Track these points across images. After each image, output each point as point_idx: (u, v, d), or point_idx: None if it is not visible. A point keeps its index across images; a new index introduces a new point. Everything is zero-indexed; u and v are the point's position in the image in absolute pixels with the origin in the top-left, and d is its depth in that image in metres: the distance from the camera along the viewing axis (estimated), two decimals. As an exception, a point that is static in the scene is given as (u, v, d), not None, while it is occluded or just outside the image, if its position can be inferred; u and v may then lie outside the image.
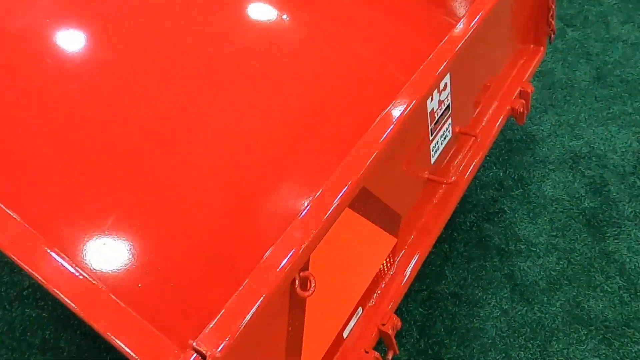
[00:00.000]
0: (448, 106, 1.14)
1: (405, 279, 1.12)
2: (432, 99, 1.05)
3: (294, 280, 0.75)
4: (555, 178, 1.74)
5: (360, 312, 1.05)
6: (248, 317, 0.67)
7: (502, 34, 1.40)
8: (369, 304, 1.07)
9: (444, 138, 1.18)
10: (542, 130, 1.90)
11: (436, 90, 1.05)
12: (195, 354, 0.63)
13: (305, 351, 0.89)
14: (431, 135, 1.11)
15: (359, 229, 0.97)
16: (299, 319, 0.83)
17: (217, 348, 0.63)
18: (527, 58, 1.59)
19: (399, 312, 1.24)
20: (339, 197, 0.80)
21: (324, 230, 0.77)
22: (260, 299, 0.68)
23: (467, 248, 1.61)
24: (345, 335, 1.02)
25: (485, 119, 1.41)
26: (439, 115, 1.11)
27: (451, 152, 1.28)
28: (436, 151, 1.16)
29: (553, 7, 1.51)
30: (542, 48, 1.61)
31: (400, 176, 1.05)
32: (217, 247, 0.94)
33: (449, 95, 1.13)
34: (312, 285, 0.77)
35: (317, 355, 0.93)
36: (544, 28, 1.57)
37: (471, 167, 1.30)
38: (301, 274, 0.76)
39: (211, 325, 0.66)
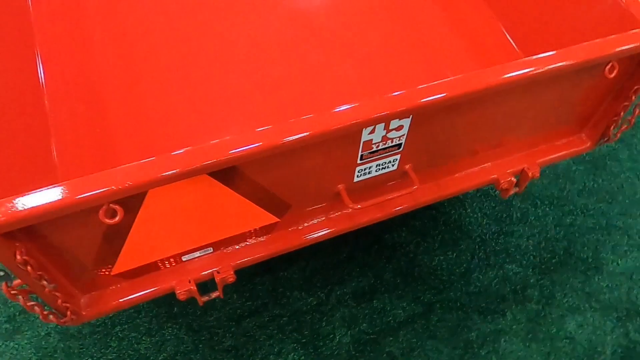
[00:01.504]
0: (399, 145, 1.08)
1: (265, 254, 1.19)
2: (373, 132, 0.99)
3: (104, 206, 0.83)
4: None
5: (209, 251, 1.16)
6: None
7: (541, 101, 1.22)
8: (221, 250, 1.17)
9: (383, 168, 1.15)
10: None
11: (380, 127, 0.98)
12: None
13: (124, 256, 1.02)
14: (360, 159, 1.09)
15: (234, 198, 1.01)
16: (120, 229, 0.94)
17: None
18: (565, 142, 1.40)
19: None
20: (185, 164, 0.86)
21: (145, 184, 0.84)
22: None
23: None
24: (184, 259, 1.14)
25: (457, 175, 1.31)
26: (380, 148, 1.07)
27: (389, 184, 1.23)
28: (365, 174, 1.14)
29: (633, 98, 1.26)
30: (588, 143, 1.40)
31: (301, 173, 1.06)
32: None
33: (404, 137, 1.06)
34: (118, 217, 0.84)
35: (141, 259, 1.06)
36: (603, 120, 1.35)
37: (392, 209, 1.26)
38: (110, 205, 0.82)
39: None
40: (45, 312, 0.99)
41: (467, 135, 1.21)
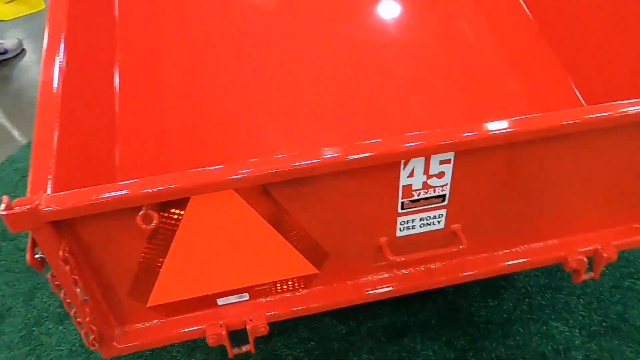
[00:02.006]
0: (442, 196, 1.05)
1: (301, 309, 1.14)
2: (411, 175, 0.98)
3: (142, 210, 0.88)
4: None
5: (245, 297, 1.13)
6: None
7: (611, 164, 1.12)
8: (258, 299, 1.14)
9: (428, 224, 1.10)
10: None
11: (419, 169, 0.98)
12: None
13: (161, 285, 1.04)
14: (401, 208, 1.06)
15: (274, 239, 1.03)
16: (159, 247, 0.98)
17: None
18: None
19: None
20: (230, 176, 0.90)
21: (185, 190, 0.89)
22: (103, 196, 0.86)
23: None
24: (219, 303, 1.13)
25: (517, 249, 1.20)
26: (421, 196, 1.04)
27: (436, 248, 1.13)
28: (408, 228, 1.10)
29: None
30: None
31: (338, 217, 1.04)
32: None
33: (447, 187, 1.03)
34: (154, 222, 0.88)
35: (176, 294, 1.08)
36: None
37: (439, 277, 1.17)
38: (149, 210, 0.87)
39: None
40: (78, 320, 1.00)
41: (526, 198, 1.13)
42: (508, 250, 1.20)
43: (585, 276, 1.22)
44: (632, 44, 1.36)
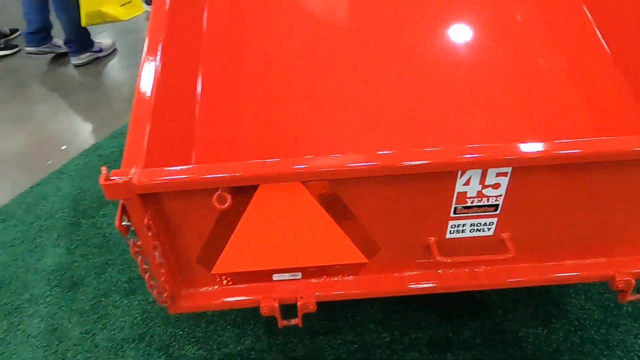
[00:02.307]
0: (496, 206, 1.08)
1: (349, 293, 1.23)
2: (466, 184, 1.03)
3: (218, 191, 0.98)
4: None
5: (298, 276, 1.24)
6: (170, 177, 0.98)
7: None
8: (310, 279, 1.24)
9: (477, 230, 1.15)
10: None
11: (476, 179, 1.02)
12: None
13: (225, 256, 1.16)
14: (454, 212, 1.11)
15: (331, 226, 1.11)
16: (227, 225, 1.09)
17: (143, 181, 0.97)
18: None
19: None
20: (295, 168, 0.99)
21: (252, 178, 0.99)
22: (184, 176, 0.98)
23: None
24: (274, 278, 1.24)
25: (565, 262, 1.23)
26: (475, 204, 1.08)
27: (484, 257, 1.18)
28: (458, 231, 1.15)
29: None
30: None
31: (393, 215, 1.12)
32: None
33: (501, 198, 1.06)
34: (227, 203, 0.99)
35: (238, 265, 1.19)
36: None
37: (484, 280, 1.21)
38: (223, 192, 0.97)
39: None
40: (152, 283, 1.14)
41: (578, 215, 1.15)
42: (555, 263, 1.23)
43: (632, 297, 1.22)
44: None
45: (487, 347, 1.65)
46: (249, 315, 1.77)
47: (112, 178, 0.97)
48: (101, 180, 0.96)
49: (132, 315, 1.81)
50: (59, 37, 3.48)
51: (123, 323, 1.79)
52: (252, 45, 1.80)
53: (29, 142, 2.78)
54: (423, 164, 0.99)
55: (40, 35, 3.39)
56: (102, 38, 3.58)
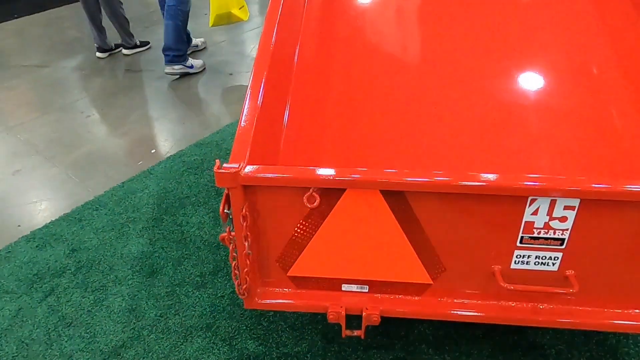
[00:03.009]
0: (562, 240, 1.15)
1: (411, 311, 1.32)
2: (535, 213, 1.11)
3: (309, 191, 1.12)
4: None
5: (365, 289, 1.34)
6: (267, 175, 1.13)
7: None
8: (375, 294, 1.34)
9: (542, 263, 1.22)
10: None
11: (544, 209, 1.10)
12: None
13: (303, 259, 1.29)
14: (520, 242, 1.18)
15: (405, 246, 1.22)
16: (310, 226, 1.23)
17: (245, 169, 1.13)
18: None
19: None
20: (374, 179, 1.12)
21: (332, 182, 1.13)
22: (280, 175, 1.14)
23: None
24: (343, 288, 1.35)
25: (632, 311, 1.24)
26: (541, 235, 1.16)
27: (547, 289, 1.23)
28: (522, 262, 1.22)
29: None
30: None
31: (462, 236, 1.20)
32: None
33: (567, 232, 1.13)
34: (316, 203, 1.13)
35: (313, 270, 1.31)
36: None
37: (547, 317, 1.25)
38: (314, 192, 1.12)
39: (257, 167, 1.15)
40: (236, 272, 1.28)
41: None
42: (619, 310, 1.25)
43: None
44: None
45: (536, 385, 1.67)
46: (307, 321, 1.88)
47: (225, 167, 1.13)
48: (215, 169, 1.13)
49: (201, 306, 1.98)
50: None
51: (193, 312, 1.96)
52: (337, 76, 1.97)
53: (123, 143, 3.09)
54: (496, 186, 1.08)
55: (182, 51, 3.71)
56: (194, 59, 3.93)
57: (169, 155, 2.90)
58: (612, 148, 1.62)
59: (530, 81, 1.88)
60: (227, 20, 3.51)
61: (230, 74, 3.92)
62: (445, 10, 2.19)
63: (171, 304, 1.99)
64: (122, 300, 2.02)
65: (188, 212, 2.44)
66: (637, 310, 1.25)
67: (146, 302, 2.00)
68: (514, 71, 1.90)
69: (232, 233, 1.24)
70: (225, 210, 1.18)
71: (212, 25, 3.54)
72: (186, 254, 2.21)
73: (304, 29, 2.04)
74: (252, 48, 4.30)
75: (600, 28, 1.96)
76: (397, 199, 1.15)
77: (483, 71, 1.90)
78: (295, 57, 1.93)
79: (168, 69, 3.74)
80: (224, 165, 1.14)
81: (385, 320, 1.83)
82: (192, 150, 2.93)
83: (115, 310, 1.98)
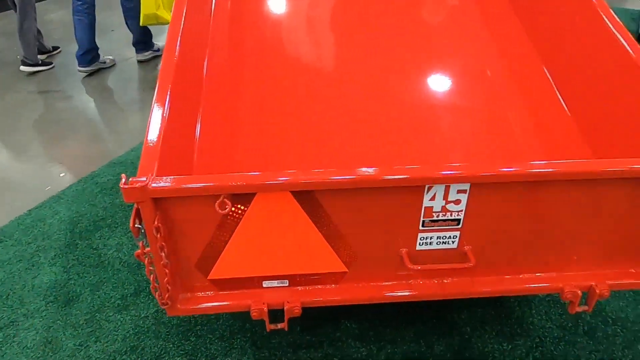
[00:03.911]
0: (458, 220, 1.26)
1: (330, 300, 1.37)
2: (432, 199, 1.21)
3: (220, 198, 1.14)
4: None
5: (285, 283, 1.38)
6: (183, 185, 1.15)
7: (608, 215, 1.30)
8: (297, 286, 1.39)
9: (443, 242, 1.32)
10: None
11: (440, 194, 1.20)
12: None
13: (221, 262, 1.30)
14: (422, 225, 1.28)
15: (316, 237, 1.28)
16: (225, 230, 1.24)
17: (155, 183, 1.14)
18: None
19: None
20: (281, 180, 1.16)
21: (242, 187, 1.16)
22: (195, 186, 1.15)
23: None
24: (264, 285, 1.38)
25: (521, 276, 1.39)
26: (440, 218, 1.26)
27: (449, 266, 1.34)
28: (426, 243, 1.32)
29: None
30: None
31: (370, 225, 1.28)
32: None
33: (462, 213, 1.24)
34: (227, 209, 1.15)
35: (233, 272, 1.33)
36: None
37: (451, 289, 1.37)
38: (225, 199, 1.14)
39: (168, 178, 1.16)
40: (155, 285, 1.27)
41: (532, 232, 1.32)
42: (512, 276, 1.39)
43: (580, 308, 1.39)
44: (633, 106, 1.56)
45: (456, 361, 1.79)
46: (236, 329, 1.89)
47: (131, 181, 1.12)
48: (121, 184, 1.11)
49: (124, 329, 1.91)
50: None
51: (116, 336, 1.89)
52: (248, 83, 2.01)
53: (28, 169, 2.91)
54: (395, 178, 1.17)
55: (90, 55, 3.99)
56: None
57: (80, 177, 2.78)
58: (503, 137, 1.80)
59: (430, 83, 2.04)
60: (155, 20, 3.60)
61: (143, 90, 3.83)
62: (352, 17, 2.32)
63: (91, 331, 1.91)
64: (36, 333, 1.90)
65: (105, 235, 2.35)
66: (526, 275, 1.40)
67: (63, 333, 1.90)
68: (415, 75, 2.05)
69: (147, 249, 1.23)
70: (136, 225, 1.17)
71: (143, 24, 3.67)
72: (105, 278, 2.13)
73: (212, 39, 2.07)
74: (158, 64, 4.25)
75: (488, 35, 2.16)
76: (307, 198, 1.20)
77: (386, 75, 2.03)
78: (205, 67, 1.95)
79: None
80: (131, 179, 1.13)
81: (312, 319, 1.90)
82: (106, 171, 2.82)
83: (28, 346, 1.86)
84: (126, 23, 4.08)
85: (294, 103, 1.93)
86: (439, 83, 2.02)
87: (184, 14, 1.76)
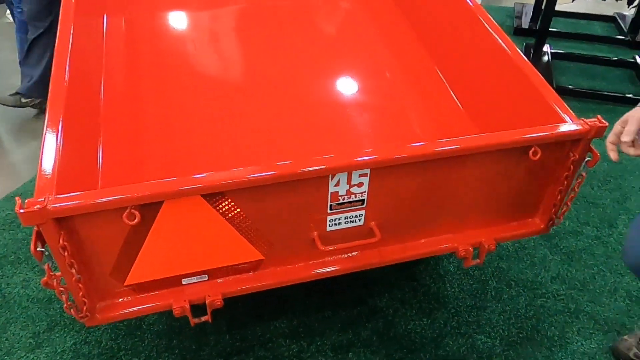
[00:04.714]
0: (362, 200, 1.35)
1: (250, 287, 1.42)
2: (337, 185, 1.29)
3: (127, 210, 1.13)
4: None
5: (205, 278, 1.40)
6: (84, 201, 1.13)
7: (486, 179, 1.48)
8: (216, 279, 1.42)
9: (351, 221, 1.42)
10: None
11: (344, 180, 1.28)
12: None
13: (137, 268, 1.29)
14: (330, 209, 1.36)
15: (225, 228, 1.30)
16: (137, 238, 1.24)
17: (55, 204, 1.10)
18: (521, 224, 1.63)
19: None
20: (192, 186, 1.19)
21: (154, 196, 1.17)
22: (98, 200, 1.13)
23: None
24: (184, 282, 1.39)
25: (422, 240, 1.54)
26: (346, 200, 1.35)
27: (358, 240, 1.44)
28: (335, 224, 1.41)
29: (565, 183, 1.51)
30: (542, 225, 1.63)
31: (281, 216, 1.34)
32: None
33: (365, 194, 1.34)
34: (136, 219, 1.14)
35: (149, 275, 1.32)
36: (548, 205, 1.58)
37: (362, 262, 1.48)
38: (132, 210, 1.12)
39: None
40: (69, 303, 1.24)
41: (427, 203, 1.46)
42: (414, 242, 1.53)
43: (472, 262, 1.57)
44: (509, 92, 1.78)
45: (383, 343, 1.89)
46: (162, 348, 1.84)
47: (28, 203, 1.07)
48: (17, 209, 1.06)
49: (39, 369, 1.79)
50: None
51: (31, 378, 1.77)
52: (148, 96, 2.00)
53: None
54: (300, 171, 1.24)
55: None
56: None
57: (-28, 215, 2.55)
58: (402, 128, 1.95)
59: (332, 84, 2.15)
60: None
61: (35, 116, 3.59)
62: (250, 26, 2.38)
63: (1, 378, 1.77)
64: (-64, 389, 1.73)
65: (7, 273, 2.18)
66: (425, 239, 1.55)
67: (-31, 383, 1.75)
68: (319, 77, 2.16)
69: (55, 273, 1.18)
70: (38, 249, 1.12)
71: None
72: (12, 318, 1.97)
73: (106, 57, 2.02)
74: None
75: (382, 39, 2.32)
76: (218, 198, 1.23)
77: (286, 77, 2.11)
78: (102, 84, 1.91)
79: None
80: (27, 201, 1.09)
81: (240, 326, 1.90)
82: (3, 205, 2.61)
83: None
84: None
85: (196, 110, 1.95)
86: (341, 83, 2.15)
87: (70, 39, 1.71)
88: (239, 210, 1.28)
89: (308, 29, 2.43)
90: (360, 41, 2.36)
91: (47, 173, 1.18)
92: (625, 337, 1.86)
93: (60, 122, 1.33)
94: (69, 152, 1.28)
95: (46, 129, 1.30)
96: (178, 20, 2.41)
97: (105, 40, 2.16)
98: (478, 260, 1.58)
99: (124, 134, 1.79)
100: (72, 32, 1.73)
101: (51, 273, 1.17)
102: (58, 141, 1.29)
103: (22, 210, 1.07)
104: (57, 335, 1.91)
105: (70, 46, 1.66)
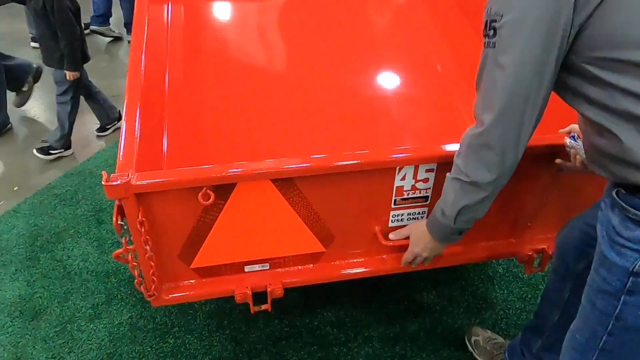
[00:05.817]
0: (426, 197, 1.35)
1: (310, 279, 1.44)
2: (403, 179, 1.29)
3: (202, 190, 1.18)
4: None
5: (266, 267, 1.43)
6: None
7: None
8: (277, 269, 1.44)
9: (413, 218, 1.42)
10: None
11: (410, 174, 1.29)
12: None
13: (204, 251, 1.34)
14: (394, 204, 1.36)
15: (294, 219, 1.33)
16: (207, 220, 1.28)
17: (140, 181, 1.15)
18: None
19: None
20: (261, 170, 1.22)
21: (228, 179, 1.21)
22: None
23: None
24: (246, 270, 1.42)
25: (483, 243, 1.52)
26: (410, 196, 1.34)
27: None
28: (398, 220, 1.41)
29: None
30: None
31: (346, 207, 1.35)
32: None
33: (430, 190, 1.34)
34: (211, 200, 1.18)
35: (215, 259, 1.37)
36: None
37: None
38: (207, 190, 1.17)
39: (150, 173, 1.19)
40: (140, 279, 1.29)
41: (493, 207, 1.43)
42: (474, 245, 1.51)
43: (535, 269, 1.54)
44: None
45: (429, 339, 1.89)
46: (214, 327, 1.90)
47: (113, 178, 1.13)
48: (103, 181, 1.12)
49: (99, 337, 1.88)
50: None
51: (90, 345, 1.85)
52: (208, 84, 2.06)
53: (-23, 185, 2.78)
54: (368, 162, 1.26)
55: (102, 18, 4.34)
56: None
57: (36, 190, 2.68)
58: (453, 122, 1.94)
59: (383, 76, 2.14)
60: None
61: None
62: (301, 16, 2.40)
63: (63, 343, 1.86)
64: (4, 350, 1.84)
65: (68, 246, 2.29)
66: (488, 243, 1.53)
67: (33, 347, 1.85)
68: (369, 69, 2.15)
69: (130, 247, 1.24)
70: (118, 222, 1.18)
71: None
72: (73, 289, 2.08)
73: (171, 47, 2.09)
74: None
75: (434, 28, 2.30)
76: (287, 185, 1.26)
77: (342, 70, 2.12)
78: (167, 73, 1.98)
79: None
80: (112, 176, 1.14)
81: (290, 312, 1.94)
82: (63, 182, 2.73)
83: (-3, 363, 1.80)
84: (120, 4, 4.26)
85: (256, 99, 2.00)
86: (392, 77, 2.14)
87: (145, 28, 1.77)
88: (305, 199, 1.30)
89: (362, 20, 2.43)
90: (413, 33, 2.34)
91: (129, 151, 1.24)
92: None
93: (138, 109, 1.39)
94: (144, 135, 1.34)
95: (125, 114, 1.36)
96: (231, 8, 2.44)
97: (170, 29, 2.23)
98: (540, 268, 1.55)
99: (185, 120, 1.85)
100: (146, 22, 1.80)
101: (127, 247, 1.23)
102: (136, 125, 1.35)
103: (110, 183, 1.12)
104: (114, 308, 1.99)
105: (145, 36, 1.73)
